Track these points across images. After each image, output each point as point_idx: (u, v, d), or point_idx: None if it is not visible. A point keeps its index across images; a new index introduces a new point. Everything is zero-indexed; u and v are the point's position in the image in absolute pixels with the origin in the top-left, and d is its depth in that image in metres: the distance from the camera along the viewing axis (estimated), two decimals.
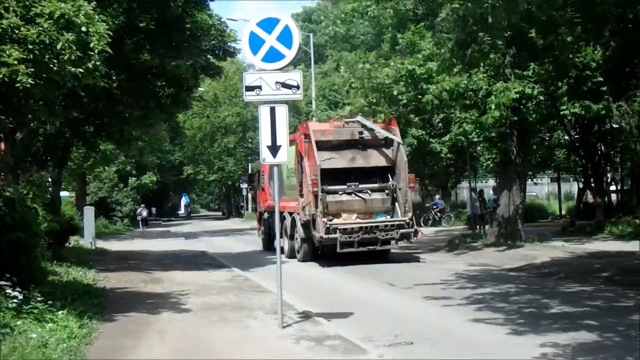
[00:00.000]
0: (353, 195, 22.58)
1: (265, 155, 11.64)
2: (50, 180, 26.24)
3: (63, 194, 33.24)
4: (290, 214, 24.11)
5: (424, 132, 33.71)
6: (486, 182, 49.56)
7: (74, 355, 9.22)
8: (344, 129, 23.12)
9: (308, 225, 22.23)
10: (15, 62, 11.89)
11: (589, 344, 9.82)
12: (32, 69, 12.53)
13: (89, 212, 31.24)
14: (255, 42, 11.62)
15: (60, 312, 11.46)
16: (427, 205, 41.64)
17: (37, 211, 13.41)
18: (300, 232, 23.17)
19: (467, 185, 39.19)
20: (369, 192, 22.68)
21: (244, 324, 12.12)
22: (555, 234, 27.68)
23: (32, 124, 19.75)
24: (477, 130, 23.45)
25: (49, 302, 11.75)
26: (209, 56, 23.89)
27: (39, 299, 11.61)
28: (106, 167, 51.39)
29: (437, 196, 43.50)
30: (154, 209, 77.68)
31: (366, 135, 22.99)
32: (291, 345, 10.25)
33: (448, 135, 32.05)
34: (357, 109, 25.63)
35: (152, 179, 63.84)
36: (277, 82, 11.61)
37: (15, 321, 10.09)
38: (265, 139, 11.58)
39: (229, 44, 24.12)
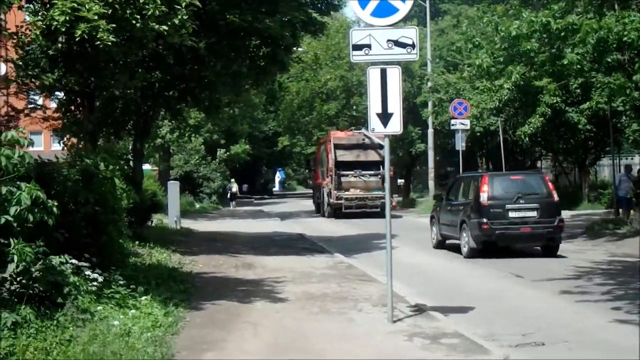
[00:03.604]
0: (358, 177, 40.68)
1: (374, 124, 11.61)
2: (131, 151, 26.80)
3: (145, 167, 33.92)
4: (323, 188, 42.97)
5: (559, 99, 32.85)
6: (632, 158, 48.21)
7: (159, 346, 9.47)
8: (353, 136, 42.19)
9: (329, 195, 40.87)
10: (96, 17, 12.16)
11: None
12: (113, 25, 12.78)
13: (174, 187, 31.78)
14: None
15: (143, 298, 11.82)
16: None
17: (113, 183, 13.73)
18: (326, 199, 41.90)
19: (608, 163, 38.22)
20: (368, 176, 40.60)
21: (347, 316, 12.21)
22: None
23: (112, 89, 20.26)
24: (624, 97, 22.68)
25: (132, 286, 12.14)
26: (309, 10, 23.88)
27: (121, 282, 11.99)
28: (192, 138, 52.02)
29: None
30: (245, 186, 78.58)
31: (367, 140, 40.93)
32: (403, 343, 10.27)
33: (588, 103, 31.22)
34: (481, 67, 25.35)
35: (244, 149, 64.00)
36: (389, 40, 11.53)
37: (95, 306, 10.44)
38: (374, 106, 11.55)
39: None
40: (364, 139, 41.07)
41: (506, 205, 20.41)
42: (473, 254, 20.44)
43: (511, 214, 20.38)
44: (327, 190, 41.23)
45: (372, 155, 40.70)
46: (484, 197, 20.49)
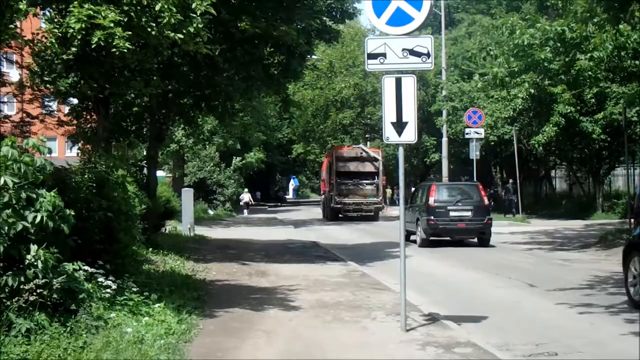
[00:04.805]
0: (356, 186, 46.86)
1: (389, 133, 11.58)
2: (145, 157, 26.81)
3: (159, 173, 33.98)
4: (327, 195, 49.04)
5: (573, 108, 32.76)
6: None
7: (172, 354, 9.48)
8: (352, 150, 48.94)
9: (330, 201, 46.91)
10: (112, 25, 12.17)
11: None
12: (129, 33, 12.79)
13: (188, 194, 31.73)
14: (379, 2, 11.53)
15: (156, 305, 11.80)
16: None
17: (125, 188, 13.72)
18: (328, 204, 47.95)
19: (623, 173, 38.03)
20: (365, 184, 47.01)
21: (361, 325, 12.19)
22: None
23: (126, 96, 20.30)
24: (639, 107, 22.62)
25: (145, 293, 12.12)
26: (324, 18, 23.84)
27: (134, 289, 11.97)
28: (207, 145, 52.11)
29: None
30: (258, 193, 78.67)
31: (364, 154, 48.05)
32: (416, 352, 10.23)
33: (602, 113, 31.14)
34: (496, 77, 25.38)
35: (258, 157, 64.13)
36: (404, 49, 11.51)
37: (108, 313, 10.44)
38: (389, 115, 11.53)
39: (347, 4, 24.02)
40: (361, 153, 48.53)
41: (448, 207, 26.80)
42: (424, 244, 26.66)
43: (451, 213, 26.73)
44: (330, 196, 47.57)
45: (368, 167, 47.69)
46: (431, 200, 26.86)
